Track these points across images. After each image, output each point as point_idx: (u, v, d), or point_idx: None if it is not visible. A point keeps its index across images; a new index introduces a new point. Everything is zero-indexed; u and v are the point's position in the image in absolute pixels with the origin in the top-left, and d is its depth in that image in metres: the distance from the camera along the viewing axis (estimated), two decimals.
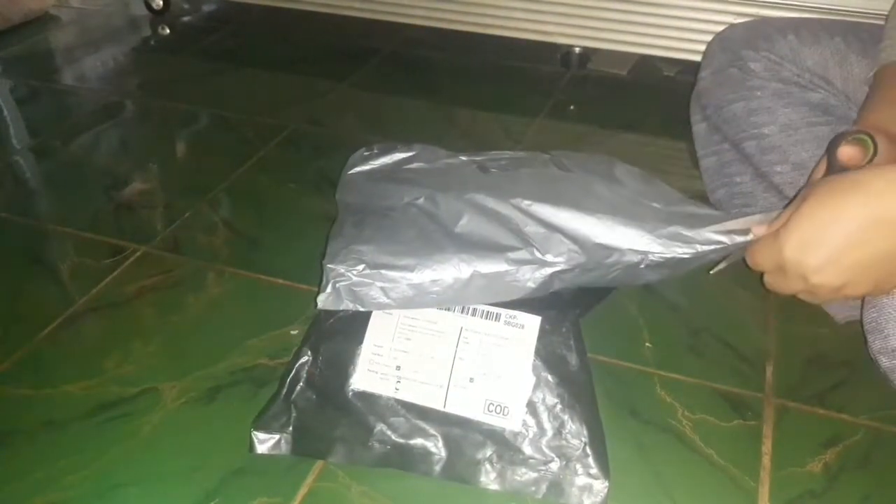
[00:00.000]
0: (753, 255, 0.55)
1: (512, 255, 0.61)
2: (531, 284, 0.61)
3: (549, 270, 0.61)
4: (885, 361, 0.57)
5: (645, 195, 0.68)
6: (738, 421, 0.66)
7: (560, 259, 0.61)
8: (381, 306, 0.62)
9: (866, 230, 0.48)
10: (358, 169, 0.78)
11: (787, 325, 0.76)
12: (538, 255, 0.61)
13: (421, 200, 0.68)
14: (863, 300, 0.59)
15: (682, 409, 0.67)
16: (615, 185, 0.70)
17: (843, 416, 0.67)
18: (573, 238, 0.62)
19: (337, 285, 0.61)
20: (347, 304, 0.62)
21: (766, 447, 0.64)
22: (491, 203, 0.66)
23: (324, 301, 0.62)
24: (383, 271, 0.61)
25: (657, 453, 0.63)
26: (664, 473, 0.61)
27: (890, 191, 0.48)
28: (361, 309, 0.62)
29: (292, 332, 0.75)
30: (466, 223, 0.65)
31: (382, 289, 0.61)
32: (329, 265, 0.62)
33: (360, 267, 0.61)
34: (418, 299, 0.62)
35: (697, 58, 0.86)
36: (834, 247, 0.49)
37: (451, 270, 0.61)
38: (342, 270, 0.61)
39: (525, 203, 0.65)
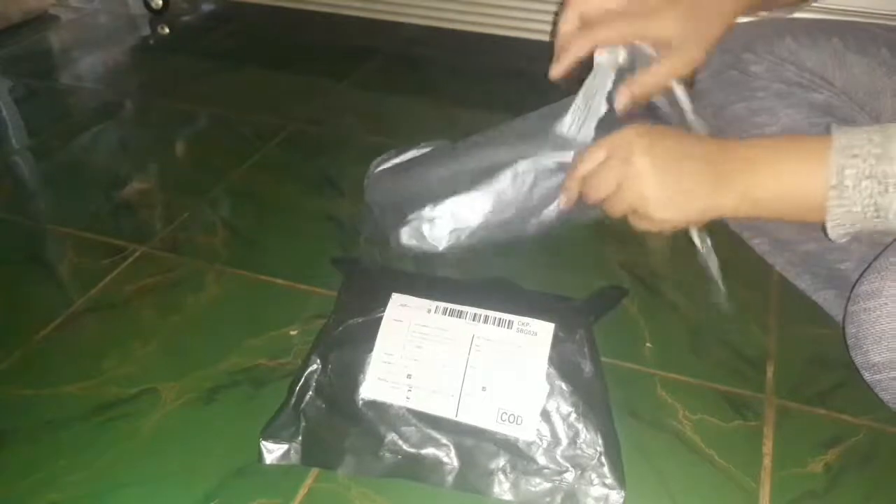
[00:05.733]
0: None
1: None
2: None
3: None
4: (867, 376, 0.57)
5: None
6: (738, 421, 0.66)
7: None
8: (461, 233, 0.66)
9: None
10: (381, 168, 0.81)
11: (788, 325, 0.76)
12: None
13: (447, 159, 0.72)
14: (845, 312, 0.59)
15: (682, 410, 0.67)
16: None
17: (844, 417, 0.67)
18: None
19: (414, 225, 0.66)
20: (428, 242, 0.66)
21: (767, 448, 0.64)
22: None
23: (407, 239, 0.66)
24: (451, 198, 0.65)
25: (658, 454, 0.63)
26: (665, 474, 0.61)
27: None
28: (441, 246, 0.66)
29: (292, 333, 0.74)
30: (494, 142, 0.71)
31: (461, 211, 0.65)
32: (399, 229, 0.67)
33: (428, 207, 0.66)
34: (497, 211, 0.66)
35: None
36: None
37: (508, 167, 0.66)
38: (411, 217, 0.66)
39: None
